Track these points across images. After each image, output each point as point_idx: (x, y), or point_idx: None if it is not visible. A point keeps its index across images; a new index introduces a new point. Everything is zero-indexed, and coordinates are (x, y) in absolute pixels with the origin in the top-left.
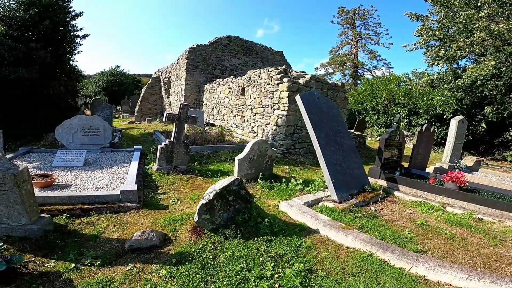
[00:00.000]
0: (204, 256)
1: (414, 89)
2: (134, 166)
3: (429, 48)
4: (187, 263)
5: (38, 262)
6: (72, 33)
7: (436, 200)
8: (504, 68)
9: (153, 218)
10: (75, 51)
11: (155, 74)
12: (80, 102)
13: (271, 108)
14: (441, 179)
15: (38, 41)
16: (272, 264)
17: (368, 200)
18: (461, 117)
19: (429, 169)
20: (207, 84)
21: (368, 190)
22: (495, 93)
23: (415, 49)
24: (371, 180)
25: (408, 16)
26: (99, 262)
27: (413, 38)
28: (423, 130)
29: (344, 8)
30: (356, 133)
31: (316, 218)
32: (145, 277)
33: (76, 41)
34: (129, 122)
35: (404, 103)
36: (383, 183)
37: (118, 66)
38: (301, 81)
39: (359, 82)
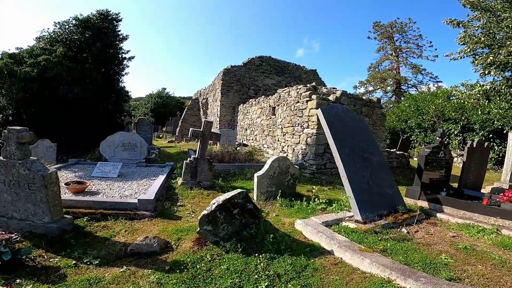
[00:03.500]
0: (198, 267)
1: (466, 102)
2: (160, 179)
3: (477, 57)
4: (179, 271)
5: (46, 257)
6: (120, 55)
7: (489, 223)
8: None
9: (163, 227)
10: (123, 72)
11: (194, 96)
12: (127, 121)
13: (301, 126)
14: (497, 199)
15: (91, 62)
16: (266, 283)
17: (401, 222)
18: None
19: (485, 190)
20: (241, 104)
21: (402, 211)
22: None
23: (460, 57)
24: (410, 201)
25: (448, 23)
26: (97, 262)
27: (456, 46)
28: (474, 146)
29: (380, 23)
30: (398, 152)
31: (332, 238)
32: (133, 280)
33: (124, 62)
34: (169, 141)
35: (455, 118)
36: (424, 204)
37: (164, 89)
38: (331, 97)
39: (403, 99)
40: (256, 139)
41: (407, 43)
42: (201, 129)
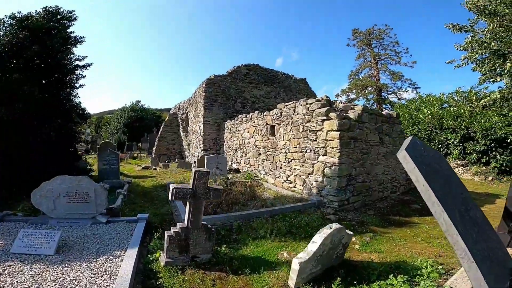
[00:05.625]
0: None
1: (463, 110)
2: (129, 259)
3: (480, 63)
4: None
5: None
6: (70, 62)
7: None
8: None
9: None
10: (76, 85)
11: (172, 110)
12: (82, 149)
13: (314, 153)
14: None
15: (23, 71)
16: None
17: None
18: None
19: None
20: (228, 121)
21: None
22: None
23: (464, 64)
24: None
25: (449, 28)
26: None
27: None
28: None
29: (358, 30)
30: None
31: None
32: None
33: (77, 71)
34: (143, 168)
35: (454, 127)
36: None
37: (139, 101)
38: (351, 115)
39: (384, 106)
40: (249, 162)
41: (385, 49)
42: (191, 186)
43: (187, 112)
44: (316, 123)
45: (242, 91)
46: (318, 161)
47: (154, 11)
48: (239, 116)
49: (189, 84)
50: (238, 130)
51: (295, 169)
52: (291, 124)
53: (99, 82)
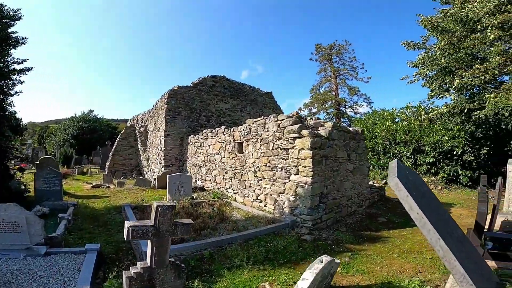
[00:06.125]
0: None
1: (413, 125)
2: None
3: (429, 80)
4: None
5: None
6: (4, 65)
7: None
8: None
9: None
10: (12, 91)
11: (130, 122)
12: (13, 166)
13: (286, 172)
14: None
15: None
16: None
17: None
18: None
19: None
20: (192, 135)
21: None
22: None
23: (416, 80)
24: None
25: (405, 46)
26: None
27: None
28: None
29: (321, 45)
30: (378, 185)
31: None
32: None
33: (13, 77)
34: (94, 186)
35: (406, 141)
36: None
37: (92, 111)
38: (322, 132)
39: (343, 120)
40: (215, 180)
41: (343, 64)
42: (152, 222)
43: (147, 125)
44: (288, 140)
45: (207, 104)
46: (290, 180)
47: (111, 17)
48: (204, 131)
49: (150, 96)
50: (203, 146)
51: (265, 188)
52: (261, 141)
53: (45, 87)
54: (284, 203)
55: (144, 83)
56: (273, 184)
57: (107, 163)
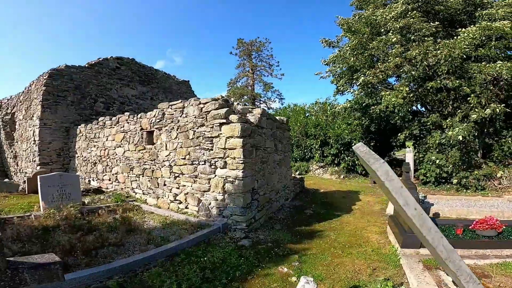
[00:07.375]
0: None
1: (321, 119)
2: None
3: (337, 77)
4: None
5: None
6: None
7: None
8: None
9: None
10: None
11: None
12: None
13: (210, 165)
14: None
15: None
16: None
17: None
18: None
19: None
20: (83, 125)
21: None
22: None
23: (328, 76)
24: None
25: (322, 43)
26: None
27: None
28: None
29: (243, 40)
30: (299, 176)
31: None
32: None
33: None
34: None
35: (315, 134)
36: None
37: None
38: (252, 118)
39: None
40: (117, 179)
41: (261, 61)
42: None
43: (14, 112)
44: (212, 127)
45: (107, 88)
46: (216, 175)
47: None
48: (101, 119)
49: (27, 78)
50: (99, 137)
51: (185, 186)
52: (178, 129)
53: None
54: (210, 203)
55: (29, 62)
56: (194, 181)
57: None
